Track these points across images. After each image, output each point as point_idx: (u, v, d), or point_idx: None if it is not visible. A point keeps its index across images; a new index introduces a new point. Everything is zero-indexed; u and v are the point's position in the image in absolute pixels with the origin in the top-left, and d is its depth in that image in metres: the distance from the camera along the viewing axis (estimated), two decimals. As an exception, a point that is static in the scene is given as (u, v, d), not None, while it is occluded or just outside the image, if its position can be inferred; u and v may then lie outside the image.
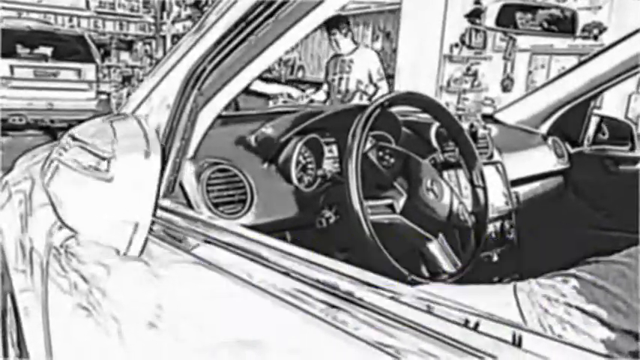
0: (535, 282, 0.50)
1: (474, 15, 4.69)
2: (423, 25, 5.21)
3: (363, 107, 1.00)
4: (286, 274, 0.58)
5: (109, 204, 0.81)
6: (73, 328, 0.96)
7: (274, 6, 0.69)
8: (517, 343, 0.41)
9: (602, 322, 0.44)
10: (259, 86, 3.81)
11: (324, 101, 3.74)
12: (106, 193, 0.80)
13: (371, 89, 3.53)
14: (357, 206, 0.91)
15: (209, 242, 0.71)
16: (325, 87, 3.75)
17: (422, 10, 5.23)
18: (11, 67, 6.01)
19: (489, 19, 1.23)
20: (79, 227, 0.86)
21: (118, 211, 0.79)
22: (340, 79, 3.61)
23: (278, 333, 0.57)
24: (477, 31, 4.98)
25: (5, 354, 1.55)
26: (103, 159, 0.80)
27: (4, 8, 8.63)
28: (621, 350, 0.43)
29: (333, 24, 3.54)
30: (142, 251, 0.77)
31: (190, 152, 0.90)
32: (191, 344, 0.67)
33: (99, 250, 0.88)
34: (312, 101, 3.72)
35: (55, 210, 0.89)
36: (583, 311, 0.45)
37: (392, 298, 0.49)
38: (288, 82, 7.58)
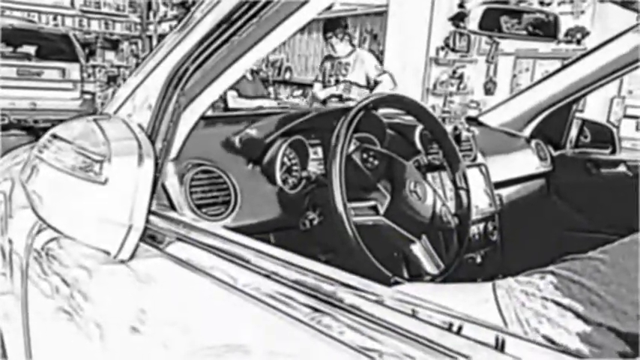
0: (513, 279, 0.51)
1: (458, 18, 4.74)
2: (409, 28, 5.25)
3: (347, 109, 1.01)
4: (270, 277, 0.58)
5: (101, 206, 0.80)
6: (54, 333, 0.95)
7: (258, 6, 0.69)
8: (500, 346, 0.41)
9: (578, 316, 0.45)
10: (236, 102, 3.82)
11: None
12: (98, 195, 0.79)
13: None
14: (340, 208, 0.91)
15: (192, 245, 0.71)
16: (319, 86, 3.75)
17: (408, 12, 5.27)
18: (-7, 66, 5.91)
19: (472, 23, 1.25)
20: (65, 228, 0.85)
21: (111, 214, 0.79)
22: (336, 81, 3.62)
23: (262, 337, 0.57)
24: (461, 34, 5.03)
25: (-16, 357, 1.52)
26: (96, 161, 0.79)
27: (-14, 6, 8.49)
28: (595, 342, 0.44)
29: (329, 28, 3.54)
30: (132, 255, 0.77)
31: (173, 153, 0.90)
32: (174, 349, 0.67)
33: (81, 253, 0.87)
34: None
35: (34, 209, 0.87)
36: (559, 305, 0.46)
37: (376, 301, 0.49)
38: (275, 83, 7.58)
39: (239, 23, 0.72)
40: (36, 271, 0.97)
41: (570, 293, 0.46)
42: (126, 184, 0.78)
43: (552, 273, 0.49)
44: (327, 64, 3.70)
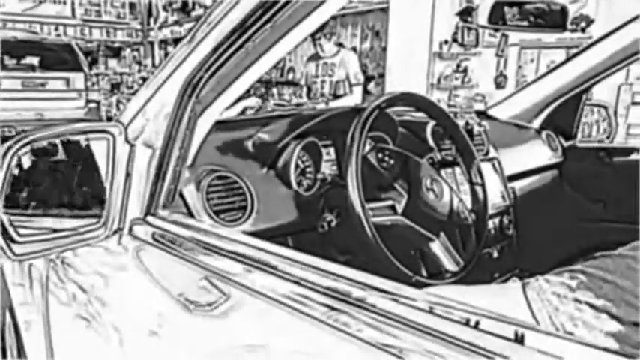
0: (543, 279, 0.50)
1: (466, 13, 4.72)
2: (411, 23, 5.24)
3: (359, 109, 1.01)
4: (290, 279, 0.58)
5: None
6: (73, 339, 0.95)
7: (271, 12, 0.69)
8: (519, 340, 0.41)
9: (612, 316, 0.44)
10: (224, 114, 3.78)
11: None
12: None
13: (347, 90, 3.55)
14: (358, 209, 0.91)
15: (211, 250, 0.71)
16: (305, 89, 3.75)
17: (410, 7, 5.25)
18: (-2, 79, 5.95)
19: (482, 17, 1.24)
20: None
21: None
22: (322, 81, 3.61)
23: (281, 337, 0.57)
24: (469, 29, 5.00)
25: (5, 369, 1.53)
26: None
27: (-12, 19, 8.55)
28: (632, 343, 0.43)
29: (317, 29, 3.52)
30: (13, 253, 0.78)
31: (189, 160, 0.90)
32: (193, 351, 0.67)
33: (96, 260, 0.88)
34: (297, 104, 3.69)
35: None
36: (593, 306, 0.45)
37: (394, 300, 0.49)
38: (278, 84, 7.57)
39: (252, 30, 0.72)
40: (53, 280, 0.98)
41: (603, 293, 0.46)
42: None
43: (583, 272, 0.48)
44: (311, 65, 3.69)
